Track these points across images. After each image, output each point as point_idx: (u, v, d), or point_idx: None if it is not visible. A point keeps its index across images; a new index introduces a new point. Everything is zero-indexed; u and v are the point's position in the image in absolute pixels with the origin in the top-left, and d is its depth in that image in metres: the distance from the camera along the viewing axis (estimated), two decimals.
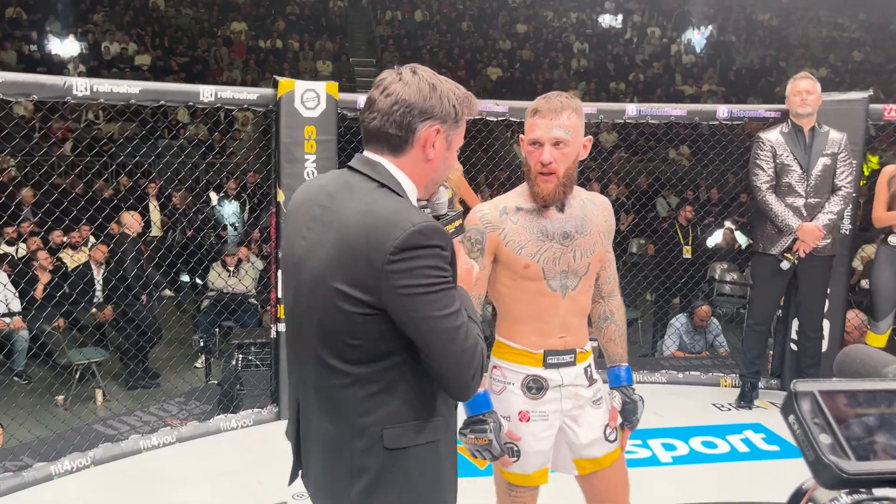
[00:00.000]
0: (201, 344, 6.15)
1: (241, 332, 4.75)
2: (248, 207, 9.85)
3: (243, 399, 3.80)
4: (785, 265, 4.06)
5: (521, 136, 2.05)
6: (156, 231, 8.96)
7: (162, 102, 3.23)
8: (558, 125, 1.95)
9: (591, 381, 2.15)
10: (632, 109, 4.34)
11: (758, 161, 4.14)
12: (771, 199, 4.09)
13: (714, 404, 4.34)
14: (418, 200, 1.52)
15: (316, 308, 1.43)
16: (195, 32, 16.77)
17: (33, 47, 15.44)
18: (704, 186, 11.33)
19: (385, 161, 1.46)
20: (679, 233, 7.57)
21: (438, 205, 1.60)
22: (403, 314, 1.35)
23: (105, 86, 2.99)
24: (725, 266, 8.50)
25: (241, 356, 4.01)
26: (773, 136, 4.15)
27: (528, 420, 2.09)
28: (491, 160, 5.94)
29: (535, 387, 2.08)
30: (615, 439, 2.17)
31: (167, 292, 7.95)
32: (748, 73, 18.05)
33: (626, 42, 19.35)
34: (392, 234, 1.33)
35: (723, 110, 4.46)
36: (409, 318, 1.35)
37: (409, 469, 1.46)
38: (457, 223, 1.56)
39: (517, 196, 2.08)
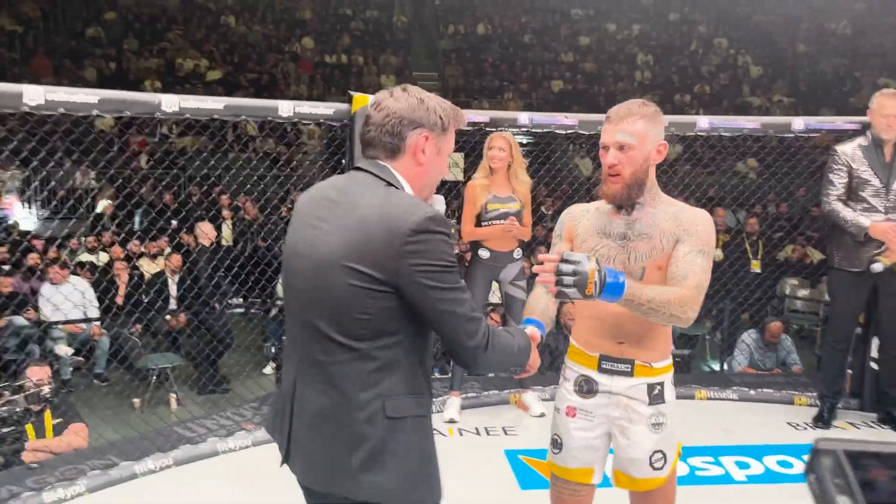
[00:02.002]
0: (273, 351, 6.31)
1: None
2: None
3: None
4: (878, 267, 3.86)
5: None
6: (227, 241, 9.23)
7: (242, 117, 3.37)
8: (622, 130, 2.02)
9: (655, 401, 2.12)
10: (703, 122, 4.28)
11: (830, 174, 4.03)
12: (838, 205, 3.96)
13: (789, 423, 4.23)
14: None
15: (326, 288, 1.57)
16: (264, 49, 17.25)
17: (112, 64, 16.12)
18: (773, 200, 11.04)
19: (387, 164, 1.65)
20: (748, 247, 7.42)
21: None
22: (417, 289, 1.52)
23: (191, 102, 3.14)
24: (797, 282, 8.28)
25: None
26: (848, 149, 4.02)
27: (574, 416, 2.18)
28: (555, 172, 5.94)
29: (586, 388, 2.17)
30: (661, 468, 2.12)
31: (236, 300, 8.18)
32: (820, 84, 17.56)
33: (692, 53, 19.07)
34: (408, 220, 1.52)
35: (799, 123, 4.35)
36: (422, 293, 1.53)
37: (408, 438, 1.59)
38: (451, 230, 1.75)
39: (603, 200, 2.18)
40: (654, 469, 2.12)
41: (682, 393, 4.54)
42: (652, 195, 2.10)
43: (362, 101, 3.61)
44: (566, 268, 1.79)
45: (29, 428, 3.75)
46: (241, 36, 17.61)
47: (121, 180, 10.12)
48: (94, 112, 2.86)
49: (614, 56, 18.44)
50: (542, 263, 1.85)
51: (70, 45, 16.60)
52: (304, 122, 3.65)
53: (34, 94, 2.67)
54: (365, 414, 1.56)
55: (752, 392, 4.62)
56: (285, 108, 3.43)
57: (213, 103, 3.22)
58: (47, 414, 3.84)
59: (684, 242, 2.04)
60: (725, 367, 6.21)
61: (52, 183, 10.32)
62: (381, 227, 1.53)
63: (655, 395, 2.11)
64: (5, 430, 3.42)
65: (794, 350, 5.98)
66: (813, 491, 0.56)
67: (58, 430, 3.88)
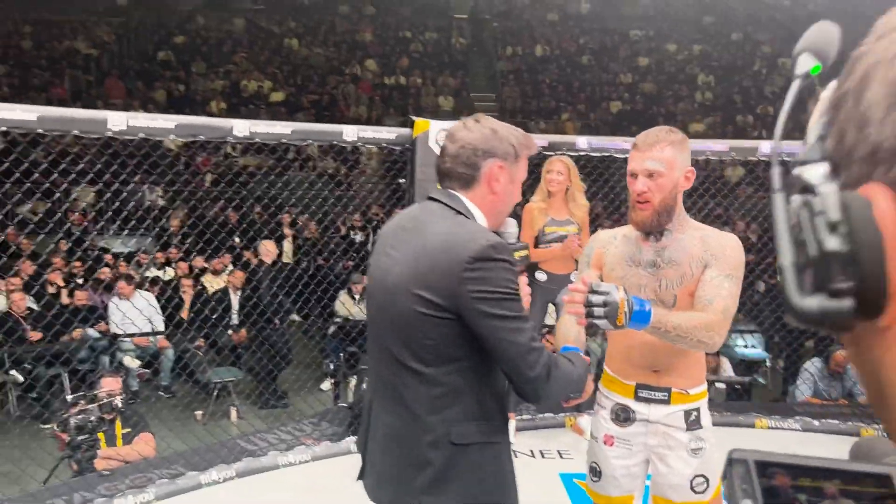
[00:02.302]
0: (331, 367, 6.43)
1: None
2: (371, 238, 10.22)
3: None
4: None
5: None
6: (287, 259, 9.44)
7: (309, 141, 3.49)
8: (651, 157, 2.04)
9: (692, 426, 2.14)
10: (766, 147, 4.24)
11: None
12: None
13: None
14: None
15: (397, 313, 1.63)
16: (325, 71, 17.65)
17: (181, 86, 16.72)
18: None
19: (459, 194, 1.69)
20: None
21: (507, 235, 1.82)
22: (476, 316, 1.55)
23: (261, 127, 3.27)
24: None
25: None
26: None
27: (612, 445, 2.19)
28: (613, 195, 5.92)
29: (623, 416, 2.18)
30: (703, 492, 2.13)
31: (294, 317, 8.35)
32: None
33: (755, 73, 18.75)
34: (469, 248, 1.55)
35: None
36: (481, 321, 1.54)
37: (474, 464, 1.61)
38: (523, 253, 1.78)
39: (629, 226, 2.19)
40: (696, 493, 2.14)
41: (743, 421, 4.47)
42: (680, 221, 2.11)
43: (423, 125, 3.70)
44: (596, 299, 1.79)
45: (101, 436, 3.91)
46: (303, 58, 18.07)
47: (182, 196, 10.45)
48: (171, 136, 3.00)
49: (674, 77, 18.27)
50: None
51: (142, 68, 17.29)
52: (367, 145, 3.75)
53: (117, 120, 2.83)
54: (431, 437, 1.60)
55: (816, 423, 4.50)
56: (349, 132, 3.54)
57: (282, 128, 3.35)
58: (118, 423, 4.01)
59: (712, 267, 2.05)
60: (788, 396, 6.06)
61: (125, 198, 10.73)
62: (443, 254, 1.57)
63: (692, 421, 2.14)
64: (80, 438, 3.58)
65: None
66: (724, 496, 0.61)
67: (127, 440, 4.03)
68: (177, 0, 20.55)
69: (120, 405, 3.84)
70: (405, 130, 3.73)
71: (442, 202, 1.69)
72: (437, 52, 18.88)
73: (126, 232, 9.18)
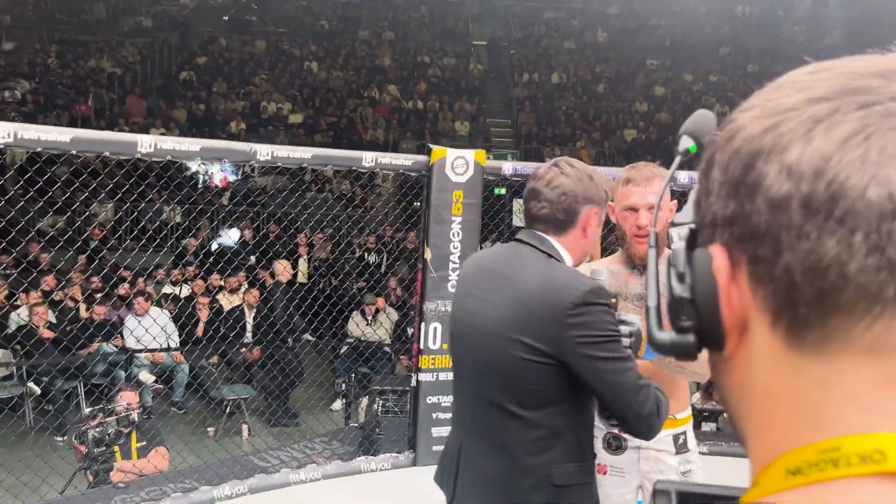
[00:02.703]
0: (343, 388, 6.51)
1: (382, 379, 5.04)
2: (385, 259, 10.32)
3: (382, 443, 4.02)
4: None
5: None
6: (301, 279, 9.55)
7: (329, 166, 3.61)
8: (652, 191, 2.11)
9: (680, 450, 2.22)
10: None
11: None
12: None
13: None
14: None
15: (494, 358, 1.65)
16: (344, 94, 17.89)
17: (202, 106, 17.00)
18: None
19: (549, 237, 1.73)
20: None
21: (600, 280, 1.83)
22: (582, 361, 1.57)
23: (283, 151, 3.39)
24: None
25: (381, 402, 4.26)
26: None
27: (605, 473, 2.21)
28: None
29: (615, 444, 2.22)
30: None
31: (307, 337, 8.44)
32: None
33: None
34: (569, 294, 1.57)
35: None
36: (587, 364, 1.57)
37: None
38: (612, 301, 1.78)
39: (610, 259, 2.26)
40: None
41: (736, 451, 4.50)
42: (663, 254, 2.19)
43: (440, 153, 3.81)
44: (624, 329, 1.82)
45: (116, 449, 4.00)
46: (322, 81, 18.34)
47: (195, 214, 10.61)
48: (197, 159, 3.12)
49: (690, 107, 18.30)
50: None
51: (164, 87, 17.61)
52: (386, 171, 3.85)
53: (147, 143, 2.95)
54: (532, 480, 1.63)
55: None
56: (368, 158, 3.65)
57: (303, 153, 3.46)
58: (133, 437, 4.09)
59: None
60: None
61: (143, 214, 10.91)
62: (542, 300, 1.59)
63: (681, 445, 2.22)
64: (98, 450, 3.67)
65: None
66: None
67: (142, 453, 4.12)
68: (200, 21, 20.97)
69: (136, 419, 3.93)
70: (422, 157, 3.84)
71: (532, 245, 1.71)
72: (455, 77, 19.10)
73: (141, 247, 9.34)
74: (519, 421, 1.63)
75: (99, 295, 7.54)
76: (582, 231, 1.73)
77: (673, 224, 0.50)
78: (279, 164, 3.35)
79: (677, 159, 0.69)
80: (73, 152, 2.77)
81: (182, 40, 20.10)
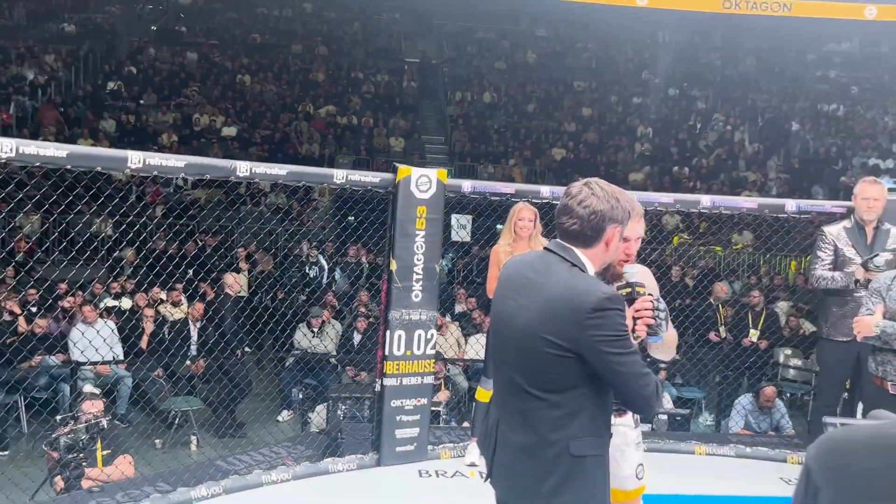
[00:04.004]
0: (300, 397, 6.62)
1: (342, 388, 5.22)
2: (325, 273, 10.45)
3: (345, 446, 4.22)
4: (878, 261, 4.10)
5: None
6: (243, 292, 9.58)
7: (303, 183, 3.80)
8: (641, 226, 2.49)
9: (636, 424, 2.64)
10: (706, 201, 4.74)
11: (818, 251, 4.49)
12: (825, 272, 4.40)
13: (781, 478, 4.56)
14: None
15: (524, 350, 1.97)
16: (278, 107, 17.89)
17: (131, 117, 16.70)
18: (767, 272, 11.48)
19: (576, 249, 2.01)
20: (750, 318, 7.85)
21: (629, 275, 2.29)
22: (596, 355, 1.89)
23: (261, 168, 3.57)
24: (790, 352, 8.64)
25: (344, 407, 4.45)
26: (834, 231, 4.49)
27: None
28: None
29: None
30: (642, 477, 2.65)
31: (248, 349, 8.49)
32: (813, 162, 18.24)
33: (690, 127, 19.81)
34: (589, 300, 1.88)
35: (791, 205, 4.82)
36: (601, 358, 1.89)
37: (586, 472, 1.97)
38: (641, 290, 2.23)
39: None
40: (639, 479, 2.64)
41: (683, 448, 4.88)
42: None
43: (405, 171, 4.06)
44: (661, 312, 2.26)
45: (80, 456, 4.04)
46: (255, 94, 18.28)
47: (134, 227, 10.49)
48: (181, 175, 3.27)
49: (615, 127, 19.15)
50: None
51: (91, 97, 17.21)
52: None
53: (136, 158, 3.09)
54: (554, 451, 1.94)
55: (748, 450, 4.95)
56: (339, 175, 3.87)
57: (279, 169, 3.65)
58: (99, 444, 4.15)
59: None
60: (720, 430, 6.54)
61: (71, 227, 10.70)
62: (566, 304, 1.89)
63: (636, 421, 2.64)
64: (70, 456, 3.73)
65: (786, 414, 6.31)
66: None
67: (107, 461, 4.17)
68: (127, 30, 20.57)
69: (105, 426, 4.00)
70: (388, 175, 4.08)
71: (559, 255, 2.01)
72: (389, 94, 19.35)
73: (70, 259, 9.18)
74: (543, 402, 1.94)
75: (34, 308, 7.41)
76: (605, 245, 2.01)
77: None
78: (258, 179, 3.53)
79: None
80: (69, 167, 2.89)
81: (109, 49, 19.68)
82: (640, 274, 2.35)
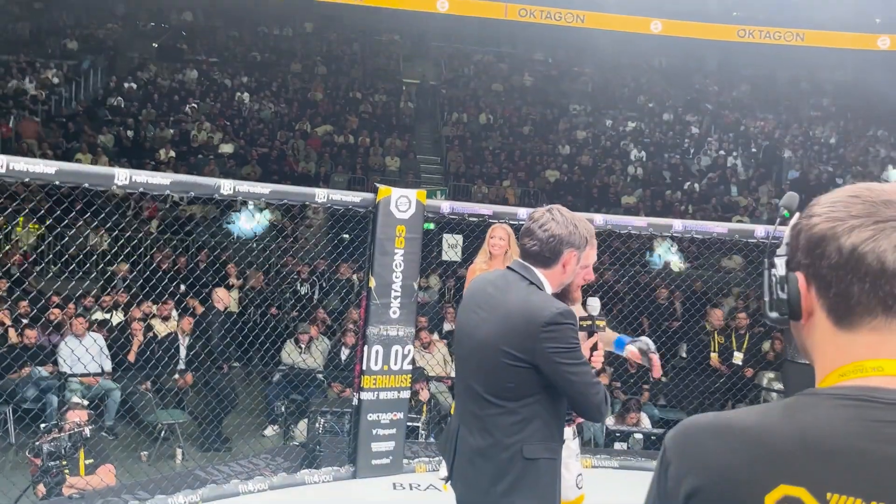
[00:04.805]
0: (283, 410, 6.70)
1: (321, 403, 5.31)
2: (316, 290, 10.55)
3: (323, 459, 4.31)
4: None
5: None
6: (233, 307, 9.68)
7: (285, 201, 3.94)
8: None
9: (575, 436, 2.83)
10: (678, 225, 4.88)
11: None
12: None
13: None
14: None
15: (485, 361, 2.13)
16: (275, 125, 18.09)
17: (130, 132, 16.87)
18: (754, 296, 11.58)
19: (535, 269, 2.17)
20: (734, 340, 7.95)
21: (591, 308, 2.45)
22: (550, 366, 2.04)
23: (244, 186, 3.70)
24: (773, 375, 8.74)
25: (322, 421, 4.55)
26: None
27: None
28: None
29: None
30: (582, 486, 2.82)
31: (235, 364, 8.57)
32: (804, 188, 18.41)
33: (684, 152, 20.02)
34: (543, 315, 2.03)
35: (760, 230, 4.96)
36: (555, 369, 2.05)
37: (538, 474, 2.13)
38: (601, 323, 2.39)
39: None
40: (579, 488, 2.81)
41: (642, 466, 4.99)
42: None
43: (385, 192, 4.20)
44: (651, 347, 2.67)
45: (63, 463, 4.13)
46: (254, 112, 18.49)
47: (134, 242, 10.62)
48: (167, 192, 3.40)
49: (609, 151, 19.35)
50: None
51: (90, 112, 17.39)
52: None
53: (123, 176, 3.22)
54: (508, 454, 2.08)
55: None
56: (321, 194, 4.01)
57: (262, 188, 3.78)
58: (81, 453, 4.24)
59: None
60: None
61: (68, 241, 10.82)
62: (522, 318, 2.05)
63: (576, 432, 2.83)
64: (52, 463, 3.82)
65: None
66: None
67: (89, 470, 4.26)
68: (128, 47, 20.82)
69: (88, 435, 4.10)
70: (369, 195, 4.22)
71: (519, 273, 2.16)
72: (386, 114, 19.56)
73: (67, 273, 9.29)
74: (500, 409, 2.09)
75: (25, 320, 7.50)
76: (562, 267, 2.16)
77: (777, 255, 0.98)
78: (240, 197, 3.66)
79: (777, 221, 1.35)
80: (57, 183, 3.02)
81: (109, 65, 19.91)
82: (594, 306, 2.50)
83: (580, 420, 2.86)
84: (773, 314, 1.00)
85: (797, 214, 1.01)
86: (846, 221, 0.91)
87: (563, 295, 2.61)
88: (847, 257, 0.89)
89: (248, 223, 11.99)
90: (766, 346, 9.15)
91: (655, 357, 2.66)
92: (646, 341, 2.75)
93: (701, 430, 0.91)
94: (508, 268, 2.23)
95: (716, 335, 8.42)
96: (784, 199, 1.61)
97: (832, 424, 0.84)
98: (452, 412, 2.47)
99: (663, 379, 8.17)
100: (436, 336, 8.51)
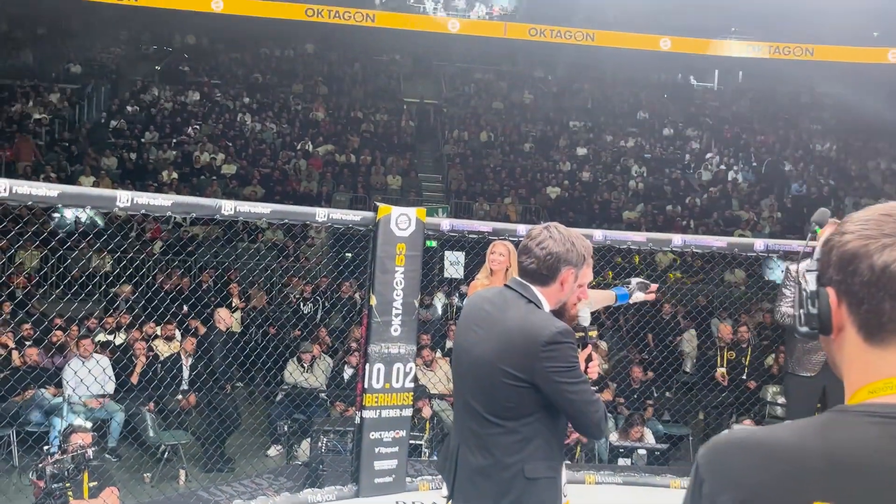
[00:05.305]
0: (286, 429, 6.69)
1: (323, 422, 5.31)
2: (319, 308, 10.56)
3: (326, 478, 4.31)
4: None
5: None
6: (235, 327, 9.69)
7: (286, 221, 3.97)
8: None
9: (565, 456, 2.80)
10: (677, 240, 4.89)
11: (783, 289, 4.63)
12: (788, 308, 4.53)
13: None
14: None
15: (482, 379, 2.11)
16: (278, 146, 18.18)
17: (133, 155, 16.97)
18: (758, 310, 11.55)
19: (533, 287, 2.16)
20: (748, 354, 7.94)
21: (582, 318, 2.37)
22: (550, 385, 2.04)
23: (245, 207, 3.74)
24: (777, 389, 8.71)
25: (325, 440, 4.55)
26: (801, 268, 4.61)
27: None
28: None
29: None
30: (566, 494, 2.80)
31: (238, 384, 8.57)
32: (805, 202, 18.43)
33: (684, 167, 20.06)
34: (543, 334, 2.02)
35: (759, 244, 4.98)
36: (555, 388, 2.04)
37: (540, 493, 2.12)
38: (593, 332, 2.36)
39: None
40: (564, 496, 2.75)
41: (658, 482, 4.97)
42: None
43: (385, 210, 4.23)
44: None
45: (67, 485, 4.13)
46: (256, 133, 18.60)
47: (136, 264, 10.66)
48: (168, 213, 3.43)
49: (610, 167, 19.40)
50: None
51: (93, 135, 17.51)
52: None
53: (125, 198, 3.26)
54: (509, 474, 2.08)
55: None
56: (321, 213, 4.04)
57: (262, 208, 3.82)
58: (85, 476, 4.24)
59: None
60: None
61: (70, 264, 10.86)
62: (521, 337, 2.04)
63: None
64: (56, 485, 3.83)
65: None
66: None
67: (93, 493, 4.26)
68: (131, 70, 20.99)
69: (91, 457, 4.10)
70: (369, 213, 4.26)
71: (518, 292, 2.15)
72: (387, 133, 19.66)
73: (69, 295, 9.31)
74: (500, 428, 2.09)
75: (28, 343, 7.51)
76: (560, 285, 2.15)
77: (808, 270, 1.01)
78: (241, 218, 3.70)
79: (809, 236, 1.44)
80: (60, 206, 3.05)
81: (112, 88, 20.08)
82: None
83: (575, 435, 2.85)
84: (804, 328, 1.01)
85: (825, 228, 1.05)
86: (878, 240, 0.92)
87: (559, 313, 2.63)
88: (879, 275, 0.90)
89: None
90: (770, 360, 9.14)
91: (654, 286, 2.75)
92: (638, 281, 2.80)
93: (733, 447, 0.92)
94: (506, 286, 2.23)
95: (726, 350, 8.40)
96: (816, 215, 1.62)
97: (862, 441, 0.86)
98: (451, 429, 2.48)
99: (668, 395, 8.17)
100: (438, 353, 8.51)
